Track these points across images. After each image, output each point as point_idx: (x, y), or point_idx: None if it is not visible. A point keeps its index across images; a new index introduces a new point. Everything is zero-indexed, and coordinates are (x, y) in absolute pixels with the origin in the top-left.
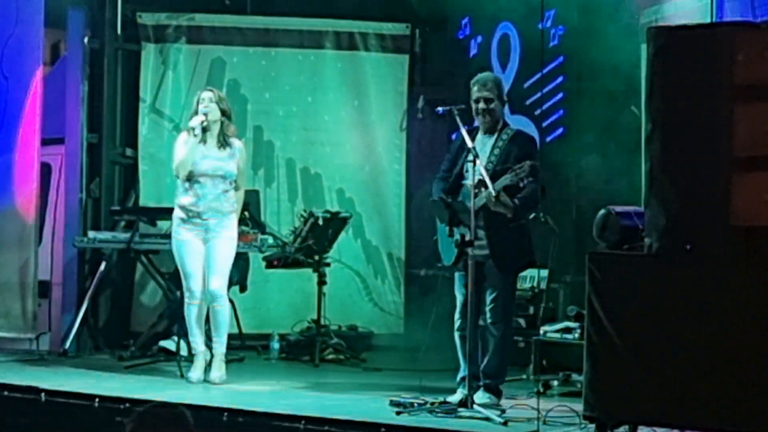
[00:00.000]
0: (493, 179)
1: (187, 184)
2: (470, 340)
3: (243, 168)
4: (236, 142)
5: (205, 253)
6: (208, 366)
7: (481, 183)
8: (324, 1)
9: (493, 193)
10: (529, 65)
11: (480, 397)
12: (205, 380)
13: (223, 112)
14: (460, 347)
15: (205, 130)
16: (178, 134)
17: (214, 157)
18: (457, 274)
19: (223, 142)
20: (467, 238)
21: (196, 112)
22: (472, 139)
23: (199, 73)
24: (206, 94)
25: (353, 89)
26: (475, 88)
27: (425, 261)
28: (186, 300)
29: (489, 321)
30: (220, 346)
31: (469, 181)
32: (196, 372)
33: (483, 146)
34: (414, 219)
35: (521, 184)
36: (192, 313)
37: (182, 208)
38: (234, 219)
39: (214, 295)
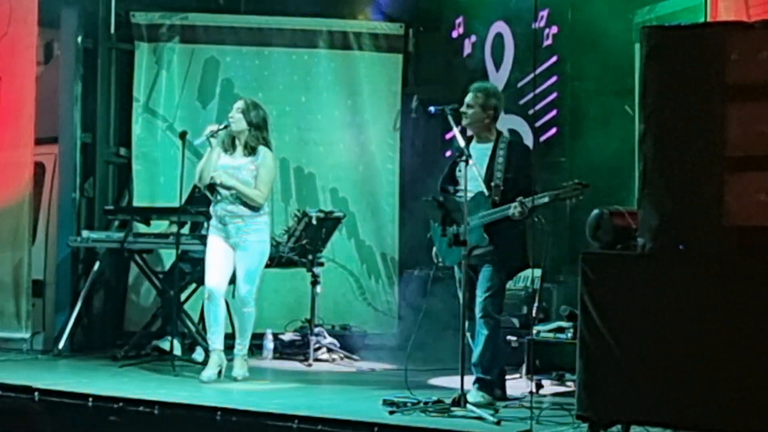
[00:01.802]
0: (505, 188)
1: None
2: (462, 336)
3: (261, 174)
4: (261, 150)
5: (235, 259)
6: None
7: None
8: (317, 1)
9: (519, 209)
10: (522, 65)
11: (473, 395)
12: (228, 377)
13: (250, 123)
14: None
15: (234, 139)
16: (171, 133)
17: (230, 165)
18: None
19: (251, 151)
20: (461, 237)
21: None
22: (466, 145)
23: (193, 73)
24: (236, 104)
25: (347, 89)
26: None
27: (419, 261)
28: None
29: (479, 315)
30: (242, 348)
31: (473, 190)
32: (207, 371)
33: (479, 154)
34: (407, 219)
35: (569, 202)
36: (206, 309)
37: (212, 213)
38: (260, 222)
39: (242, 301)
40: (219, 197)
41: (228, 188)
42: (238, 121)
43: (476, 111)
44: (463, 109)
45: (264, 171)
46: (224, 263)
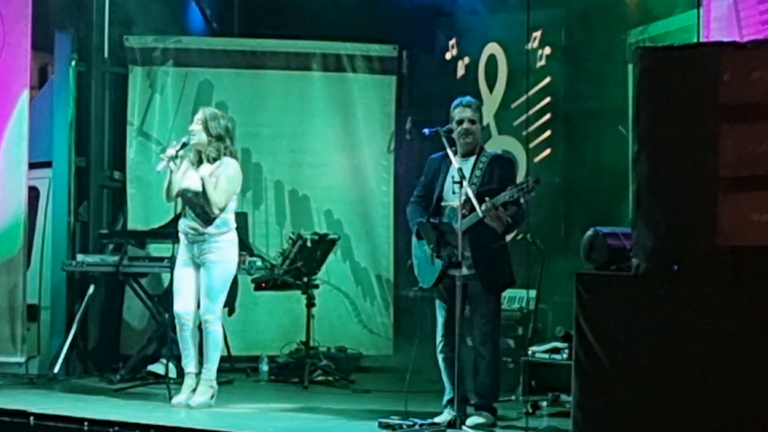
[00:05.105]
0: (479, 200)
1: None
2: (458, 361)
3: (221, 182)
4: (224, 159)
5: (198, 276)
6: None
7: (467, 203)
8: (311, 23)
9: (482, 210)
10: (516, 86)
11: (473, 419)
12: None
13: (210, 134)
14: (445, 369)
15: (199, 153)
16: None
17: (193, 177)
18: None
19: (213, 162)
20: (454, 259)
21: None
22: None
23: (187, 96)
24: (196, 116)
25: (341, 111)
26: (458, 110)
27: (414, 282)
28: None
29: (478, 342)
30: (206, 372)
31: (455, 202)
32: (179, 396)
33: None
34: (402, 240)
35: (522, 200)
36: (177, 334)
37: (180, 229)
38: (224, 241)
39: (202, 316)
40: (185, 212)
41: (194, 191)
42: (198, 134)
43: (478, 126)
44: (465, 125)
45: (224, 179)
46: (192, 286)
